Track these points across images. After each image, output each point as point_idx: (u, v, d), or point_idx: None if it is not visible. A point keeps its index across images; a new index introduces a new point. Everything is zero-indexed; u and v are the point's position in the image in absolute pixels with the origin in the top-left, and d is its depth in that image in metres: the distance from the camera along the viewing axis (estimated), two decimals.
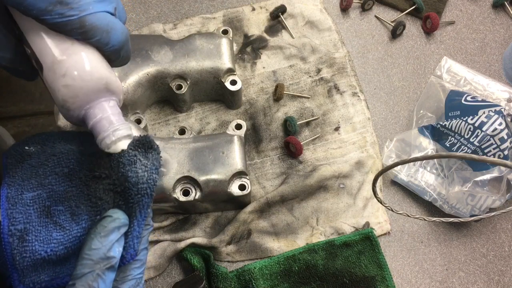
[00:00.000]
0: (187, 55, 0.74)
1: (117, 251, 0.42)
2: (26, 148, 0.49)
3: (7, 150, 0.48)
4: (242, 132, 0.73)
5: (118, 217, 0.43)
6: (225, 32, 0.78)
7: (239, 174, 0.68)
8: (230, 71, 0.75)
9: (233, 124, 0.73)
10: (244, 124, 0.74)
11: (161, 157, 0.47)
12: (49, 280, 0.45)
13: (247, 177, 0.69)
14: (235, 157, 0.69)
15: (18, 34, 0.47)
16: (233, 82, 0.74)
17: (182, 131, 0.74)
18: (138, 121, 0.73)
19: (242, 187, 0.69)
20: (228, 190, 0.68)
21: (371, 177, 0.76)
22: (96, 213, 0.45)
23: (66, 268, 0.45)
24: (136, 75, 0.72)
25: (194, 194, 0.67)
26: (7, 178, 0.47)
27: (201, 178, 0.67)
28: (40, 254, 0.44)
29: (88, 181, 0.46)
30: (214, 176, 0.67)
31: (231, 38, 0.77)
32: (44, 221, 0.45)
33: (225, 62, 0.74)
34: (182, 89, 0.74)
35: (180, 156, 0.68)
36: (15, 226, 0.44)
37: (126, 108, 0.72)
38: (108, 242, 0.42)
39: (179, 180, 0.67)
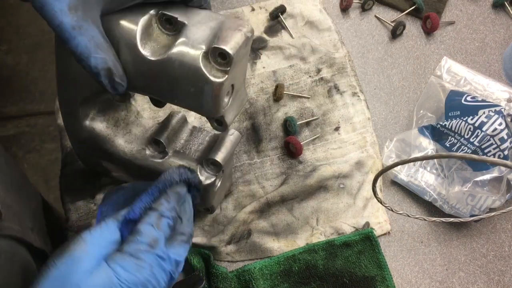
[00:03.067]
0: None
1: None
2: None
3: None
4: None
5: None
6: (222, 57, 0.49)
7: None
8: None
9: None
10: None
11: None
12: None
13: None
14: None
15: None
16: (219, 123, 0.56)
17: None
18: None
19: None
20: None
21: (371, 177, 0.76)
22: None
23: None
24: None
25: None
26: (103, 202, 0.53)
27: None
28: None
29: None
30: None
31: (222, 81, 0.50)
32: None
33: (210, 112, 0.53)
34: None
35: None
36: None
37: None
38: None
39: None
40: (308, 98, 0.80)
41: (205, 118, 0.73)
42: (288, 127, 0.77)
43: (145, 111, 0.78)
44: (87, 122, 0.61)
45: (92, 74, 0.46)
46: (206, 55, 0.48)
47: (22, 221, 0.60)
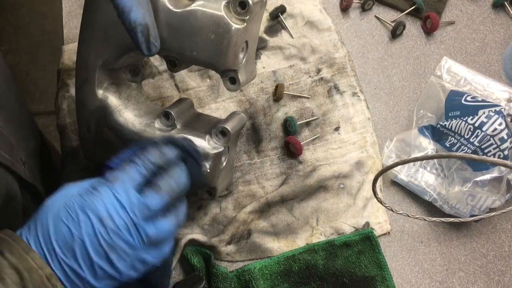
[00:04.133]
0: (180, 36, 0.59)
1: None
2: None
3: None
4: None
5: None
6: (243, 6, 0.56)
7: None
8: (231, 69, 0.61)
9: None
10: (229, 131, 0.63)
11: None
12: None
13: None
14: None
15: None
16: (232, 81, 0.60)
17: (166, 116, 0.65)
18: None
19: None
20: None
21: (371, 177, 0.76)
22: None
23: None
24: None
25: None
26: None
27: None
28: None
29: None
30: None
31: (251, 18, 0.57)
32: None
33: (227, 61, 0.57)
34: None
35: None
36: None
37: None
38: None
39: None
40: (308, 98, 0.80)
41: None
42: (288, 127, 0.77)
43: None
44: (101, 91, 0.63)
45: (131, 29, 0.49)
46: (227, 5, 0.55)
47: (15, 153, 0.61)
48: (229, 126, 0.62)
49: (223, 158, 0.64)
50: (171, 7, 0.56)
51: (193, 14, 0.56)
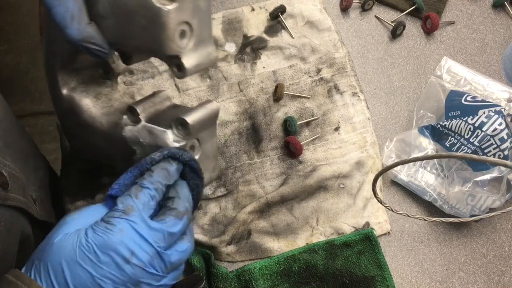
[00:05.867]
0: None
1: None
2: None
3: None
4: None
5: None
6: None
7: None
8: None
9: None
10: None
11: None
12: None
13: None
14: None
15: None
16: (179, 67, 0.54)
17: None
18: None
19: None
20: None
21: (371, 177, 0.76)
22: None
23: None
24: None
25: None
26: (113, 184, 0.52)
27: None
28: None
29: None
30: None
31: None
32: None
33: (163, 48, 0.52)
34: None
35: None
36: None
37: None
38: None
39: None
40: (308, 98, 0.80)
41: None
42: (288, 127, 0.77)
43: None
44: (65, 91, 0.61)
45: (72, 44, 0.50)
46: None
47: (27, 192, 0.60)
48: (189, 118, 0.55)
49: (189, 147, 0.59)
50: None
51: None
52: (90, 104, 0.62)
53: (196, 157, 0.59)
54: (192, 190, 0.53)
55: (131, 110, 0.59)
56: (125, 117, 0.59)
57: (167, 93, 0.63)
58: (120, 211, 0.45)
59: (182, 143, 0.56)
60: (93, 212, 0.46)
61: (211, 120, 0.60)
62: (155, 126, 0.55)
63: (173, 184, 0.50)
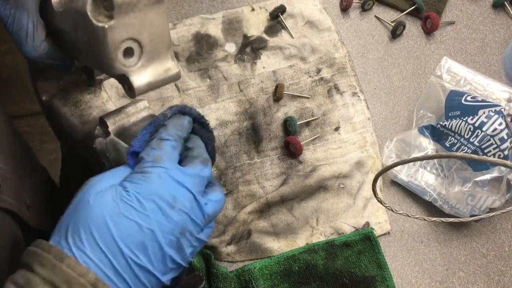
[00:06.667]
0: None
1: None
2: None
3: None
4: None
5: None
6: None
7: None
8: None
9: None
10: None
11: None
12: None
13: None
14: None
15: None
16: (130, 86, 0.50)
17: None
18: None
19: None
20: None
21: (371, 177, 0.76)
22: None
23: None
24: None
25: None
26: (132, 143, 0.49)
27: None
28: None
29: None
30: None
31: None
32: None
33: (106, 67, 0.49)
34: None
35: None
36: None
37: None
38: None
39: None
40: (308, 98, 0.80)
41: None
42: (288, 127, 0.77)
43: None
44: (45, 97, 0.61)
45: (27, 60, 0.50)
46: (94, 0, 0.46)
47: (20, 196, 0.58)
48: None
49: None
50: (56, 7, 0.49)
51: (70, 13, 0.47)
52: (68, 113, 0.60)
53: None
54: (206, 145, 0.52)
55: (101, 122, 0.56)
56: (98, 127, 0.57)
57: (145, 103, 0.59)
58: (150, 161, 0.43)
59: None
60: (118, 173, 0.45)
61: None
62: (119, 141, 0.52)
63: (187, 138, 0.49)
